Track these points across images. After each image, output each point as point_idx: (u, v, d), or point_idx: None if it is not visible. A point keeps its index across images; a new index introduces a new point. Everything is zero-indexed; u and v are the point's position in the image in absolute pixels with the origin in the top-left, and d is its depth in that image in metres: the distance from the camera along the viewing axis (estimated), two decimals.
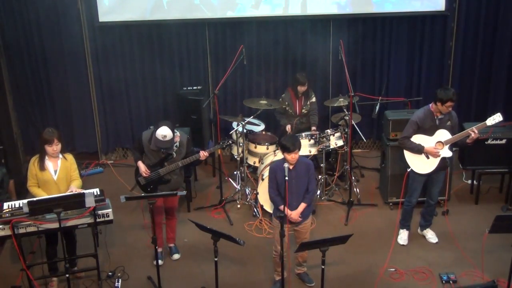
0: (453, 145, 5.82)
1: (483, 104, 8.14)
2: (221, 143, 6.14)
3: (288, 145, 4.84)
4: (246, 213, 6.81)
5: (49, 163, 5.27)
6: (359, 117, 7.20)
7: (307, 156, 6.79)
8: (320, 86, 8.02)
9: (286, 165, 4.82)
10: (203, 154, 5.71)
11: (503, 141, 6.58)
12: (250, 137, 7.12)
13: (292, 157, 4.87)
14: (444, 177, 6.00)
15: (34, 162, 5.27)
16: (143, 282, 5.61)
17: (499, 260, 5.50)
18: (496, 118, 5.51)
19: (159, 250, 5.89)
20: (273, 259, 5.39)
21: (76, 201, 4.86)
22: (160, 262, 5.77)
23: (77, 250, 5.59)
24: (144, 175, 5.67)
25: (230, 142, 6.22)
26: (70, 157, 5.43)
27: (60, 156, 5.32)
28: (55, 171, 5.29)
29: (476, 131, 5.49)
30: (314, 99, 7.38)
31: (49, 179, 5.26)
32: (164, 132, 5.40)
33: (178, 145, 5.64)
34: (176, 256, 5.99)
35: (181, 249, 6.09)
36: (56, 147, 5.21)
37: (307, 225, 5.24)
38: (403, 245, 6.08)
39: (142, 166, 5.68)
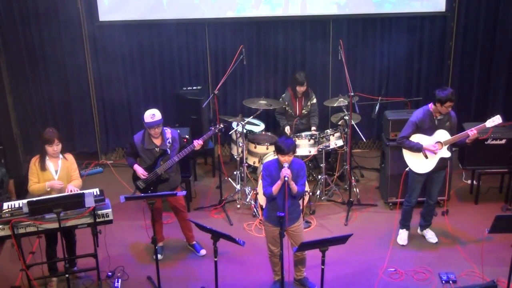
0: (452, 145, 5.84)
1: (483, 104, 8.14)
2: (212, 128, 6.07)
3: (283, 147, 4.85)
4: (246, 213, 6.81)
5: (50, 163, 5.28)
6: (359, 117, 7.20)
7: (307, 156, 6.81)
8: (320, 86, 8.02)
9: (286, 164, 4.84)
10: (198, 143, 5.69)
11: (503, 141, 6.58)
12: (250, 137, 7.13)
13: (285, 159, 4.87)
14: (444, 177, 6.00)
15: (35, 162, 5.27)
16: (143, 282, 5.61)
17: (499, 260, 5.50)
18: (496, 120, 5.52)
19: (160, 244, 5.92)
20: (269, 259, 5.40)
21: (76, 201, 4.87)
22: (160, 256, 5.79)
23: (76, 250, 5.60)
24: (143, 177, 5.66)
25: (222, 126, 6.17)
26: (70, 157, 5.43)
27: (61, 156, 5.33)
28: (56, 171, 5.29)
29: (475, 131, 5.49)
30: (314, 101, 7.39)
31: (50, 179, 5.26)
32: (152, 111, 5.50)
33: (171, 141, 5.65)
34: (203, 252, 6.00)
35: (180, 249, 6.11)
36: (56, 147, 5.21)
37: (299, 228, 5.22)
38: (403, 245, 6.08)
39: (139, 168, 5.68)
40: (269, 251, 5.29)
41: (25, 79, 7.77)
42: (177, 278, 5.67)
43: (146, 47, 7.80)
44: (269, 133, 7.37)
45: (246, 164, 6.95)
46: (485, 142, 6.57)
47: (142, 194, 5.68)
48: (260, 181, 6.41)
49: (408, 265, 5.74)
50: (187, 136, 6.58)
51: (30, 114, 7.94)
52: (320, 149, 6.81)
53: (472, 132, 5.48)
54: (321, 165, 6.96)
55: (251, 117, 6.94)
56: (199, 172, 7.86)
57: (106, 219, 5.10)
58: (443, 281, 5.45)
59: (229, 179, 7.35)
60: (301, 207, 5.35)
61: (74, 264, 5.66)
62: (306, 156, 6.82)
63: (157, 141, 5.63)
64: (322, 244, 4.61)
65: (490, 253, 5.70)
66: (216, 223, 6.52)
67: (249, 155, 7.10)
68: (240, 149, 6.95)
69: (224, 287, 5.35)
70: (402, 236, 6.13)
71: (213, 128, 6.07)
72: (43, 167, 5.24)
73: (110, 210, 5.12)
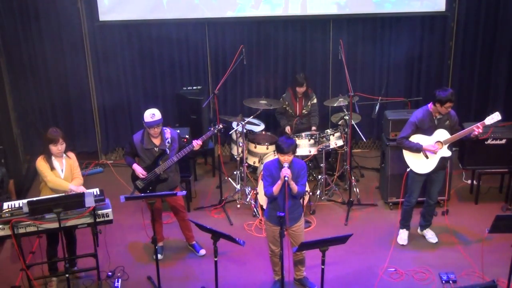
0: (452, 145, 5.83)
1: (483, 104, 8.14)
2: (211, 129, 6.04)
3: (283, 146, 4.85)
4: (246, 213, 6.81)
5: (56, 163, 5.29)
6: (359, 117, 7.20)
7: (307, 156, 6.81)
8: (320, 86, 8.03)
9: (286, 164, 4.84)
10: (197, 144, 5.68)
11: (503, 141, 6.58)
12: (250, 137, 7.13)
13: (285, 159, 4.88)
14: (444, 177, 6.00)
15: (43, 160, 5.27)
16: (143, 282, 5.61)
17: (499, 260, 5.50)
18: (495, 117, 5.51)
19: (160, 244, 5.93)
20: (270, 259, 5.40)
21: (76, 201, 4.87)
22: (160, 256, 5.79)
23: (77, 250, 5.60)
24: (141, 176, 5.66)
25: (221, 126, 6.18)
26: (72, 155, 5.47)
27: (64, 155, 5.34)
28: (62, 170, 5.32)
29: (481, 127, 5.47)
30: (315, 101, 7.40)
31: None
32: (151, 110, 5.50)
33: (170, 141, 5.65)
34: (202, 252, 6.00)
35: (180, 249, 6.11)
36: (61, 146, 5.24)
37: (300, 227, 5.22)
38: (403, 245, 6.08)
39: (137, 168, 5.68)
40: (270, 251, 5.30)
41: (25, 79, 7.76)
42: (177, 278, 5.68)
43: (146, 47, 7.80)
44: (269, 133, 7.37)
45: (246, 164, 6.95)
46: (485, 142, 6.57)
47: (142, 194, 5.68)
48: (260, 181, 6.42)
49: (408, 265, 5.74)
50: (187, 136, 6.58)
51: (30, 114, 7.94)
52: (320, 149, 6.81)
53: (478, 128, 5.47)
54: (321, 165, 6.97)
55: (251, 117, 6.94)
56: (199, 172, 7.86)
57: (106, 219, 5.10)
58: (443, 281, 5.45)
59: (229, 179, 7.35)
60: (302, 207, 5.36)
61: (74, 264, 5.66)
62: (306, 156, 6.82)
63: (156, 141, 5.64)
64: (322, 244, 4.61)
65: (490, 253, 5.70)
66: (216, 223, 6.52)
67: (249, 155, 7.10)
68: (240, 149, 6.95)
69: (224, 287, 5.35)
70: (402, 236, 6.13)
71: (212, 128, 6.07)
72: (51, 167, 5.25)
73: (110, 210, 5.12)
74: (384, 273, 5.63)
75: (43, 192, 5.34)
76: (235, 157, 7.18)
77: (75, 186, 5.28)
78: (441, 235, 6.17)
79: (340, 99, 7.08)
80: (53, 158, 5.28)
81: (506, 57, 7.89)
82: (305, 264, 5.45)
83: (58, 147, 5.22)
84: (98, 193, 5.19)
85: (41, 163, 5.26)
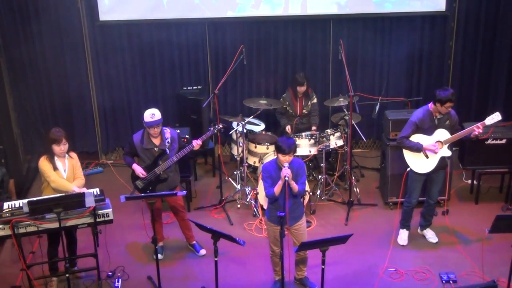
0: (452, 145, 5.83)
1: (483, 104, 8.14)
2: (211, 128, 6.05)
3: (284, 147, 4.86)
4: (246, 213, 6.81)
5: (58, 163, 5.30)
6: (359, 117, 7.20)
7: (307, 156, 6.81)
8: (320, 86, 8.02)
9: (286, 164, 4.85)
10: (196, 144, 5.69)
11: (503, 141, 6.59)
12: (250, 137, 7.13)
13: (286, 159, 4.89)
14: (444, 176, 6.00)
15: (46, 160, 5.26)
16: (143, 282, 5.61)
17: (499, 260, 5.51)
18: (495, 117, 5.51)
19: (160, 244, 5.93)
20: (270, 259, 5.40)
21: (76, 201, 4.87)
22: (160, 256, 5.79)
23: (77, 250, 5.60)
24: (141, 176, 5.67)
25: (221, 126, 6.19)
26: (74, 155, 5.48)
27: (66, 155, 5.35)
28: (64, 170, 5.32)
29: (481, 127, 5.47)
30: (315, 100, 7.40)
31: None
32: (151, 110, 5.51)
33: (170, 141, 5.65)
34: (202, 252, 6.01)
35: (180, 249, 6.11)
36: (64, 146, 5.24)
37: (302, 226, 5.23)
38: (403, 245, 6.08)
39: (137, 167, 5.68)
40: (271, 251, 5.30)
41: (25, 79, 7.76)
42: (177, 278, 5.68)
43: (146, 47, 7.80)
44: (269, 133, 7.37)
45: (246, 164, 6.95)
46: (485, 142, 6.57)
47: (142, 194, 5.68)
48: (260, 181, 6.42)
49: (408, 265, 5.74)
50: (187, 136, 6.58)
51: (30, 114, 7.94)
52: (320, 149, 6.81)
53: (478, 129, 5.47)
54: (321, 165, 6.97)
55: (251, 117, 6.95)
56: (199, 172, 7.86)
57: (106, 219, 5.11)
58: (444, 281, 5.45)
59: (229, 179, 7.35)
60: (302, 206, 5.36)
61: (74, 264, 5.66)
62: (307, 156, 6.82)
63: (156, 141, 5.64)
64: (322, 244, 4.62)
65: (490, 253, 5.70)
66: (216, 223, 6.52)
67: (249, 155, 7.11)
68: (240, 149, 6.96)
69: (224, 287, 5.35)
70: (402, 236, 6.13)
71: (212, 128, 6.07)
72: (54, 167, 5.25)
73: (110, 210, 5.12)
74: (384, 273, 5.63)
75: (45, 192, 5.34)
76: (235, 157, 7.18)
77: (79, 188, 5.28)
78: (441, 235, 6.17)
79: (340, 99, 7.08)
80: (55, 158, 5.28)
81: (506, 57, 7.89)
82: (307, 264, 5.45)
83: (61, 147, 5.22)
84: (98, 193, 5.19)
85: (44, 163, 5.25)
